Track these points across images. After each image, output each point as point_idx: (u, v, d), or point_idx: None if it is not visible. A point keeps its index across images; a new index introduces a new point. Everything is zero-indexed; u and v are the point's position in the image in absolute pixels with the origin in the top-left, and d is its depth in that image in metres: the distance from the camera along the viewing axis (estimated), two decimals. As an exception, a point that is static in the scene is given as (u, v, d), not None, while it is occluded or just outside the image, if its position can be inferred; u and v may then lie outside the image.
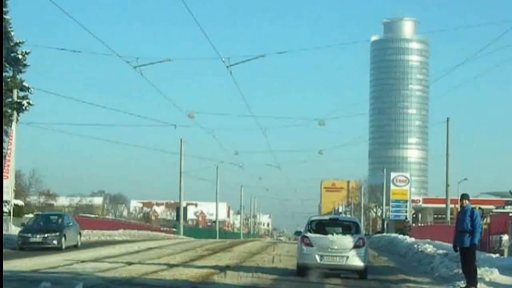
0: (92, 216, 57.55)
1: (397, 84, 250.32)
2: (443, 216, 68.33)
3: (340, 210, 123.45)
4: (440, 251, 20.63)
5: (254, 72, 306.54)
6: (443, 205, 63.05)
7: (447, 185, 48.96)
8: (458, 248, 15.44)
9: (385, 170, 76.52)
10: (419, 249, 22.69)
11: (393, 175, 50.15)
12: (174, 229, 61.89)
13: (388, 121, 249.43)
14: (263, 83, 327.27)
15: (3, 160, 34.31)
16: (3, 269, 14.07)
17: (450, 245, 17.90)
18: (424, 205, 64.29)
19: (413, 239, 27.64)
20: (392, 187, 49.34)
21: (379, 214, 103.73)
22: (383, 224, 76.26)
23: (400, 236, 30.39)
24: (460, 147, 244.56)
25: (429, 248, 22.16)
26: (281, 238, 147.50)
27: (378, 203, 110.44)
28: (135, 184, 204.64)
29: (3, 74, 36.02)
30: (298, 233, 19.44)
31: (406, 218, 53.31)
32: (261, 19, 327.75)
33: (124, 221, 57.24)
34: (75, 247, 26.58)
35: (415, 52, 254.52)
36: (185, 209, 59.98)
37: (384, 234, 45.15)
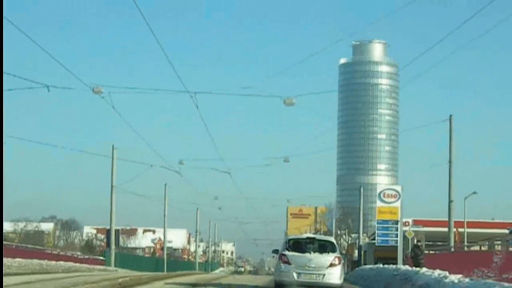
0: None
1: (366, 108, 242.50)
2: (434, 242, 56.96)
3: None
4: None
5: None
6: (437, 229, 52.16)
7: (450, 201, 37.63)
8: None
9: (361, 189, 65.52)
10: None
11: (380, 188, 38.65)
12: (102, 258, 48.58)
13: (357, 146, 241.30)
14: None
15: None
16: None
17: None
18: (426, 229, 52.90)
19: (453, 278, 15.16)
20: (379, 203, 37.76)
21: (349, 242, 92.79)
22: (359, 253, 64.67)
23: (424, 270, 18.19)
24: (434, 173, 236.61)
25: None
26: (241, 269, 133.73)
27: (350, 229, 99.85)
28: (89, 209, 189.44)
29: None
30: (275, 251, 19.98)
31: (419, 241, 41.69)
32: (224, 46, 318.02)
33: (33, 248, 44.74)
34: None
35: (384, 76, 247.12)
36: (117, 232, 47.85)
37: (378, 265, 33.49)
